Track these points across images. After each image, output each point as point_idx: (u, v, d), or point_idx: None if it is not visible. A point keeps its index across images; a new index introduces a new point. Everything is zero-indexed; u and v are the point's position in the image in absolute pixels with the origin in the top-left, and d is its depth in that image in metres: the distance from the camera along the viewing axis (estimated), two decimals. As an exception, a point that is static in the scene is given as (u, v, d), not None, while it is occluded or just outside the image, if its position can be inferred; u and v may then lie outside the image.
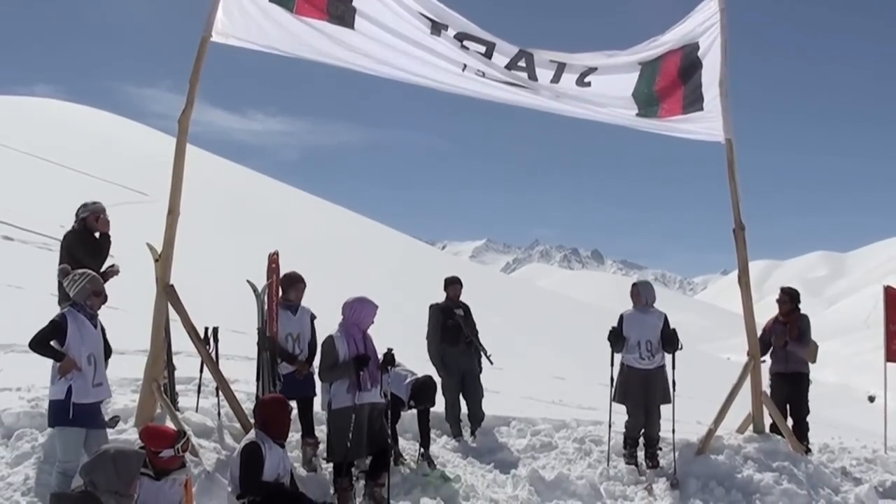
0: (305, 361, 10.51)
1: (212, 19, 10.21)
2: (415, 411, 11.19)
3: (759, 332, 12.22)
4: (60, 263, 10.08)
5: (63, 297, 10.00)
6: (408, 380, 10.94)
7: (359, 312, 9.97)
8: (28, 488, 8.66)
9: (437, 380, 11.50)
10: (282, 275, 10.63)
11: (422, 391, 10.87)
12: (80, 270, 8.92)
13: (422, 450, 11.09)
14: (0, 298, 16.82)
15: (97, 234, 10.60)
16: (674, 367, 11.56)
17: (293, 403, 10.08)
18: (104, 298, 8.92)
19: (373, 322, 10.06)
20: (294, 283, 10.71)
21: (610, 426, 11.74)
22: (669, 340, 11.72)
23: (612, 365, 11.80)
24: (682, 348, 11.71)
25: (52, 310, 9.65)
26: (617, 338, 11.81)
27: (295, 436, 10.40)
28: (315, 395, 10.41)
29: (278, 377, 10.26)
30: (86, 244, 10.42)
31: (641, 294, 11.94)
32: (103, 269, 10.29)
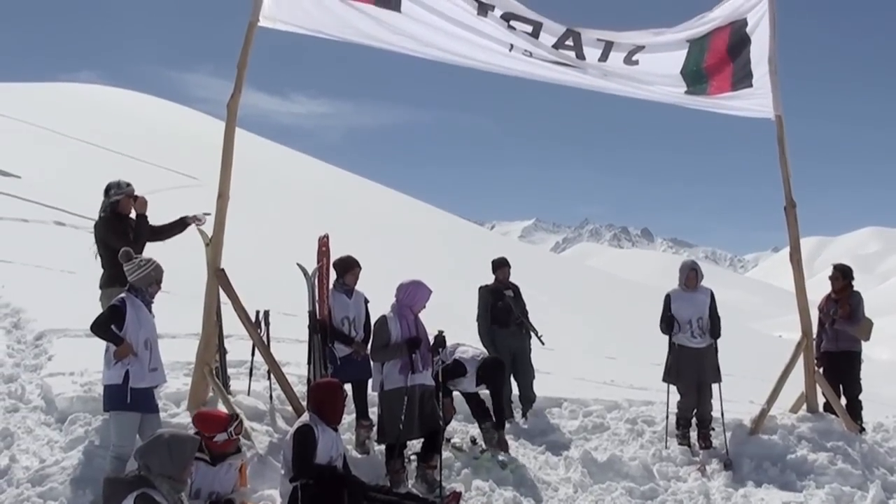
0: (362, 343, 10.52)
1: (259, 3, 10.22)
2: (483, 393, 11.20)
3: (812, 310, 12.07)
4: (98, 252, 10.12)
5: (105, 283, 10.02)
6: (479, 357, 10.99)
7: (413, 295, 10.06)
8: (82, 472, 8.72)
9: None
10: (337, 259, 10.71)
11: (489, 370, 10.88)
12: (146, 257, 8.94)
13: (472, 433, 11.10)
14: (53, 284, 16.97)
15: (133, 216, 10.25)
16: (716, 351, 11.61)
17: (348, 386, 10.13)
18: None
19: (425, 306, 10.11)
20: (350, 268, 10.75)
21: (668, 406, 11.67)
22: (715, 323, 11.71)
23: (669, 352, 11.76)
24: (720, 336, 11.69)
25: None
26: (670, 324, 11.74)
27: (348, 418, 10.45)
28: (370, 377, 10.34)
29: (329, 360, 10.32)
30: (117, 231, 10.02)
31: (699, 276, 11.85)
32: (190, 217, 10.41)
